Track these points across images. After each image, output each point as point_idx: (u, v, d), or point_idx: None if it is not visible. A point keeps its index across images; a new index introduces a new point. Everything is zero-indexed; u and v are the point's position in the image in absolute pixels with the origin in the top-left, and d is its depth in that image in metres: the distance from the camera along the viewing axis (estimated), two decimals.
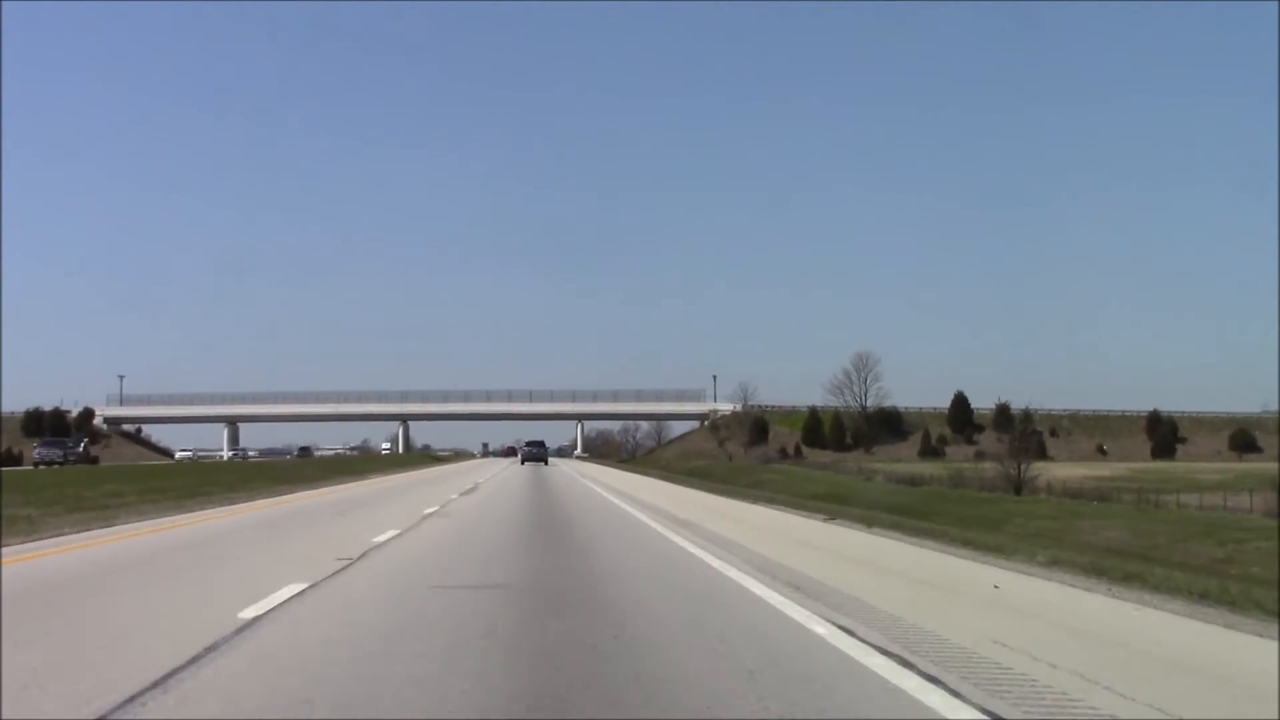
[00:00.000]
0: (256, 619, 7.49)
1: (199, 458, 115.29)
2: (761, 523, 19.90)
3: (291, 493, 31.34)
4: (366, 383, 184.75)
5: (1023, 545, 14.56)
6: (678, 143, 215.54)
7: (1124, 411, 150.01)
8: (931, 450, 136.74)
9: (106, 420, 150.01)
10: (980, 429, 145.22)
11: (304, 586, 9.16)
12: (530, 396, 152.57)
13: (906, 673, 5.98)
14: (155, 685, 5.46)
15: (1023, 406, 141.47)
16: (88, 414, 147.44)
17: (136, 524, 17.53)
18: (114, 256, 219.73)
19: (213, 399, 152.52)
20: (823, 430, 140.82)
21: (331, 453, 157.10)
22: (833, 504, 31.88)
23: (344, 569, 10.63)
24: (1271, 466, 79.92)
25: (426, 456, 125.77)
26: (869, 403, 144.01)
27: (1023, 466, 62.52)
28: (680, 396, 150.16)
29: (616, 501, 25.73)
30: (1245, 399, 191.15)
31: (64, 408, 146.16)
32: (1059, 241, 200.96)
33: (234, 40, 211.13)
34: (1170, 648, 7.03)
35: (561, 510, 21.51)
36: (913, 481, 72.82)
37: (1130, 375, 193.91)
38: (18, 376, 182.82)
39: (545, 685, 5.51)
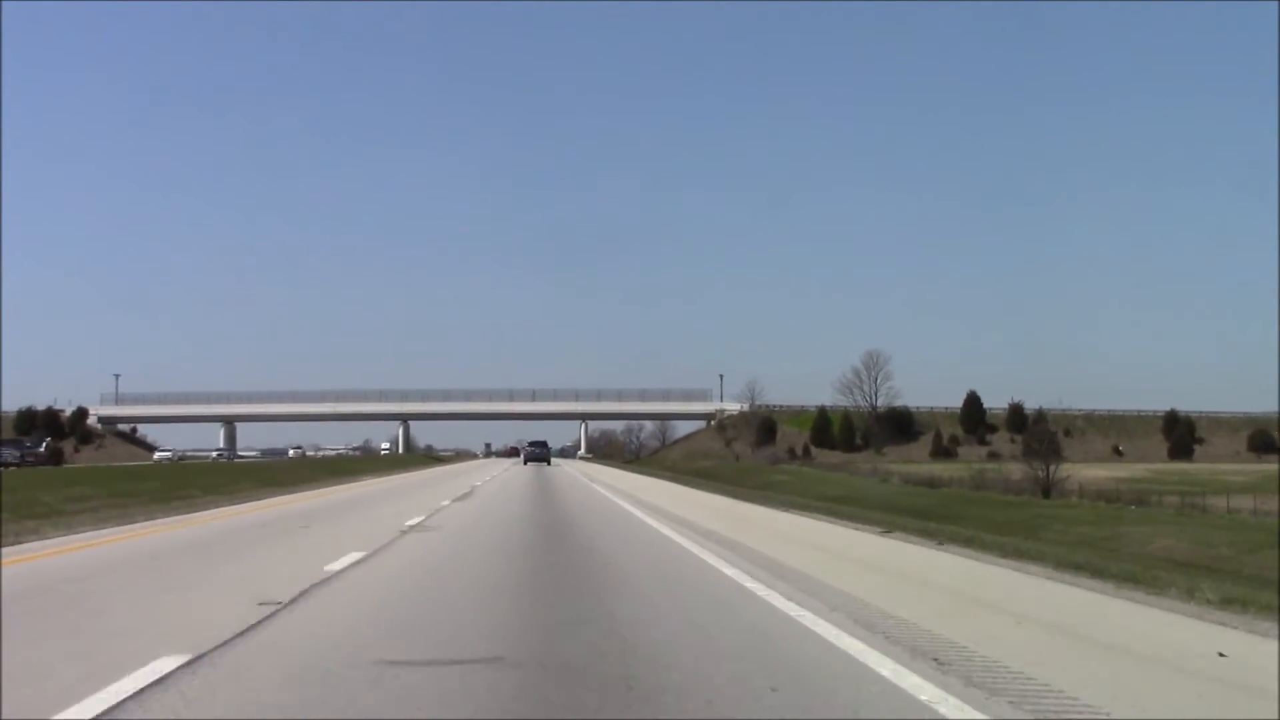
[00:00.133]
0: None
1: (180, 459, 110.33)
2: (808, 537, 16.83)
3: (268, 497, 28.41)
4: (368, 383, 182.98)
5: (1163, 574, 11.45)
6: (678, 143, 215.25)
7: (1139, 411, 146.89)
8: (943, 451, 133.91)
9: (101, 419, 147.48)
10: (993, 429, 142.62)
11: (172, 666, 5.94)
12: (533, 396, 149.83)
13: None
14: None
15: (1036, 407, 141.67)
16: (81, 413, 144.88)
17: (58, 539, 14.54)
18: (113, 256, 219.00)
19: (209, 398, 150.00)
20: (832, 430, 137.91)
21: (334, 453, 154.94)
22: (850, 506, 29.54)
23: (252, 628, 7.32)
24: None
25: (427, 457, 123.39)
26: (879, 402, 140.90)
27: (1051, 468, 59.31)
28: (686, 396, 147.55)
29: (632, 510, 22.60)
30: (1250, 399, 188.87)
31: (57, 407, 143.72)
32: (1060, 241, 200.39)
33: (234, 40, 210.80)
34: None
35: (570, 523, 18.56)
36: (931, 483, 69.69)
37: (1135, 375, 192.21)
38: (15, 376, 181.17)
39: None
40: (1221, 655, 6.53)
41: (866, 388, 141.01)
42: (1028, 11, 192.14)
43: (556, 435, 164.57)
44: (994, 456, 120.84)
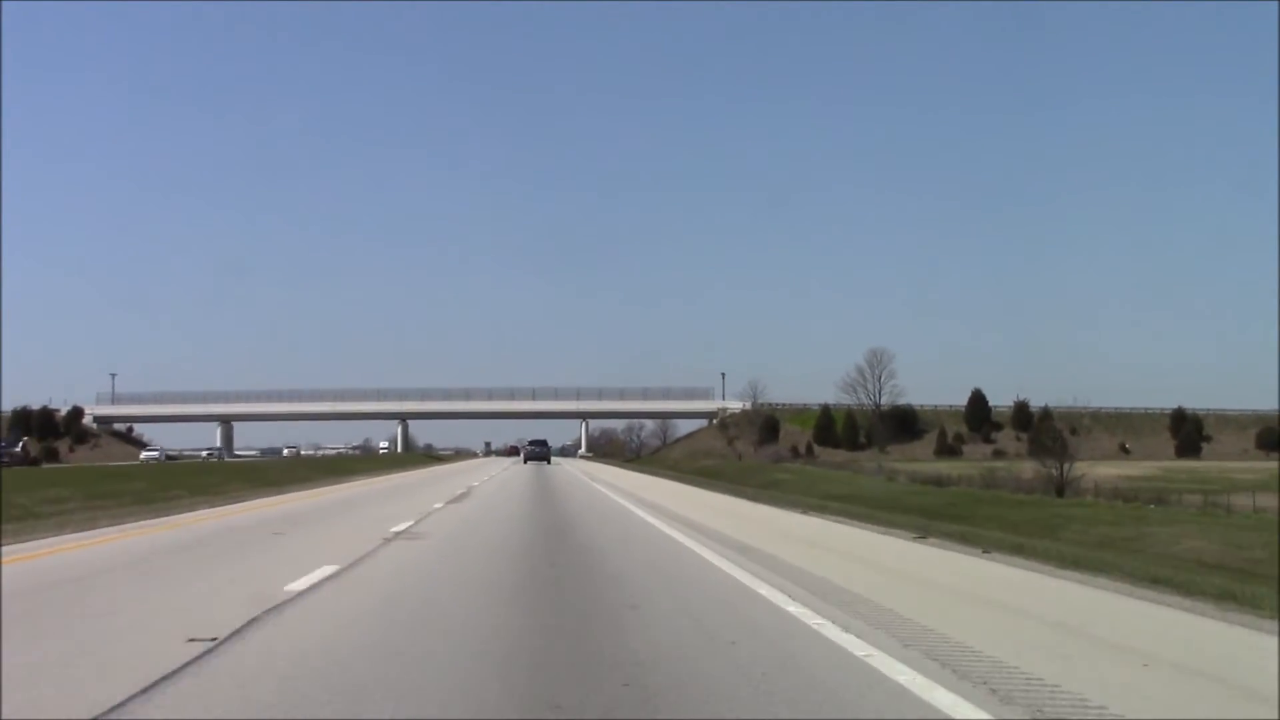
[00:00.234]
0: None
1: (167, 459, 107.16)
2: (835, 543, 15.25)
3: (255, 499, 26.85)
4: (368, 383, 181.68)
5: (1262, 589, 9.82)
6: (678, 142, 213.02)
7: (1146, 409, 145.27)
8: (948, 449, 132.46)
9: (97, 419, 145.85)
10: (998, 427, 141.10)
11: None
12: (533, 394, 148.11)
13: None
14: None
15: (1043, 404, 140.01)
16: (77, 413, 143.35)
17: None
18: (110, 256, 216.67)
19: (206, 398, 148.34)
20: (835, 429, 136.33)
21: (334, 452, 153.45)
22: (860, 506, 28.32)
23: (162, 681, 5.56)
24: None
25: (425, 456, 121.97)
26: (883, 400, 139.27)
27: (1065, 466, 57.66)
28: (688, 394, 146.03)
29: (640, 513, 20.95)
30: (1255, 396, 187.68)
31: (52, 406, 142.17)
32: (1062, 239, 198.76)
33: (234, 40, 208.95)
34: None
35: (574, 528, 17.00)
36: (939, 482, 68.12)
37: (1139, 373, 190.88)
38: (12, 375, 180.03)
39: None
40: None
41: (870, 386, 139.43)
42: (1028, 11, 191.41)
43: (557, 434, 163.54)
44: (999, 455, 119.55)
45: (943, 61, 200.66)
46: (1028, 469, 63.96)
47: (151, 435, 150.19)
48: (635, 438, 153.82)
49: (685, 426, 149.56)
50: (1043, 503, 45.54)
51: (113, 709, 5.02)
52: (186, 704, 5.11)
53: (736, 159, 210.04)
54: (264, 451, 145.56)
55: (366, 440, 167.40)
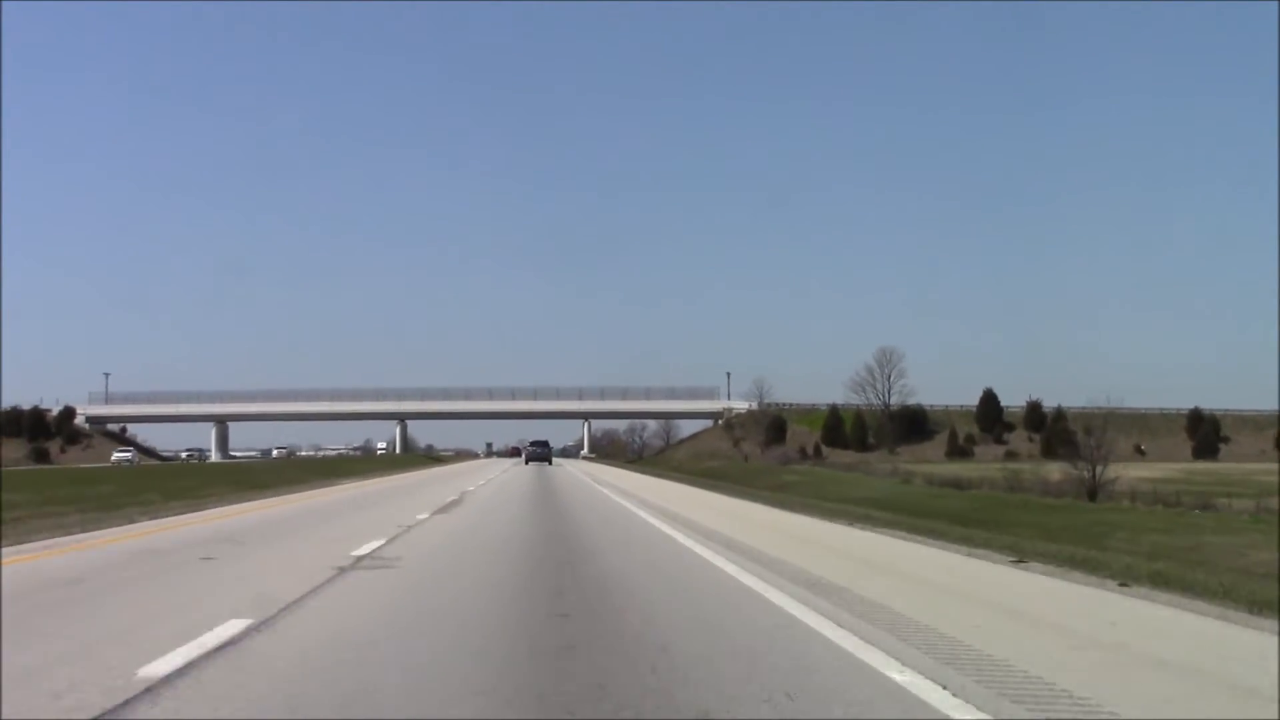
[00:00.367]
0: None
1: (139, 462, 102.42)
2: (929, 573, 12.04)
3: (220, 506, 23.86)
4: (368, 384, 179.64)
5: None
6: (678, 142, 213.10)
7: (1162, 409, 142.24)
8: (959, 450, 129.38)
9: (89, 419, 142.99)
10: (1010, 428, 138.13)
11: None
12: (534, 394, 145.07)
13: None
14: None
15: (1056, 404, 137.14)
16: (68, 413, 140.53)
17: None
18: (108, 255, 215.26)
19: (201, 397, 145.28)
20: (844, 429, 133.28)
21: (334, 453, 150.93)
22: (886, 511, 25.38)
23: None
24: None
25: (424, 457, 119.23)
26: (892, 400, 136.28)
27: (1098, 468, 54.63)
28: (692, 394, 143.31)
29: (663, 527, 17.60)
30: (1262, 396, 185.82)
31: (44, 406, 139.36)
32: (1065, 239, 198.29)
33: (234, 40, 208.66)
34: None
35: (585, 550, 13.59)
36: (958, 485, 65.05)
37: (1144, 373, 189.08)
38: (9, 375, 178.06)
39: None
40: None
41: (879, 385, 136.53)
42: (1028, 11, 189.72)
43: (559, 435, 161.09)
44: (1012, 456, 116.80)
45: (944, 61, 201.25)
46: (1055, 471, 60.91)
47: (145, 436, 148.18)
48: (638, 438, 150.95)
49: (689, 427, 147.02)
50: (1076, 508, 42.66)
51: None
52: None
53: (737, 158, 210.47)
54: (263, 453, 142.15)
55: (367, 441, 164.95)
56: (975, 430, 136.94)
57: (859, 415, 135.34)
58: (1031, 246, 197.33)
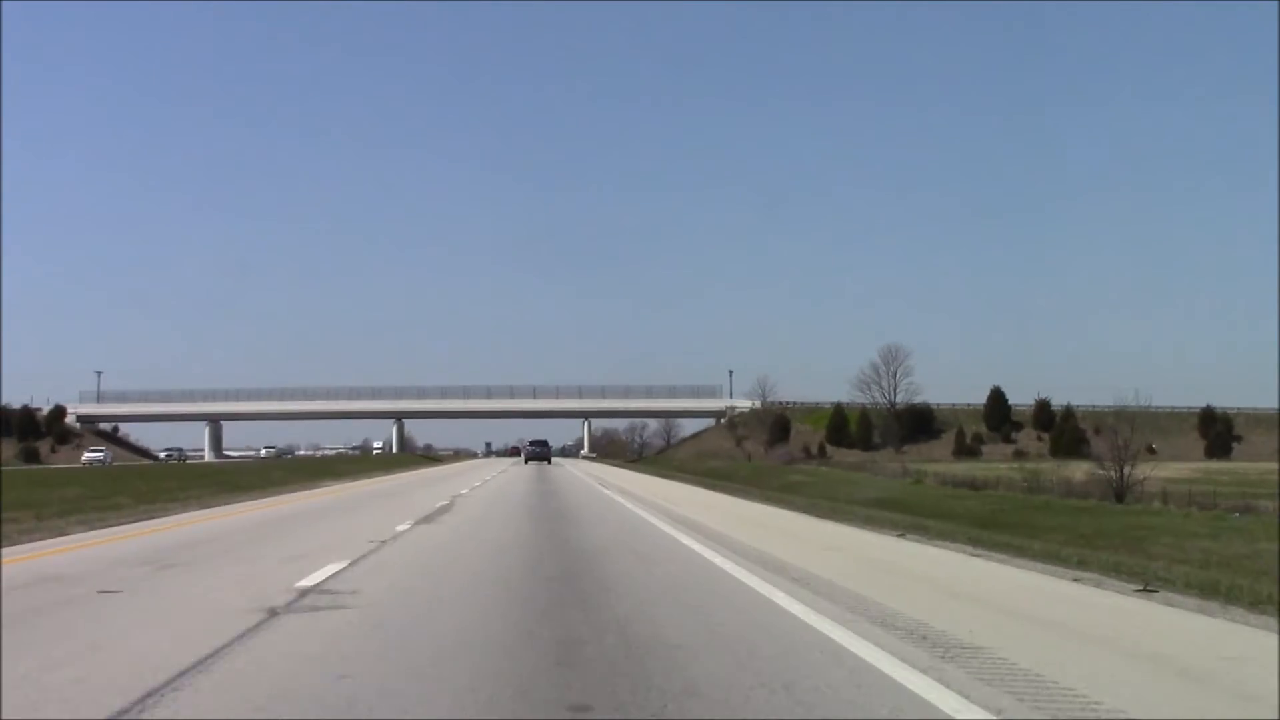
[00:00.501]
0: None
1: (111, 462, 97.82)
2: (1039, 609, 9.42)
3: (182, 511, 21.40)
4: (367, 383, 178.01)
5: None
6: (679, 141, 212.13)
7: (1172, 408, 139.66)
8: (966, 450, 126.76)
9: (80, 418, 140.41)
10: (1018, 426, 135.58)
11: None
12: (534, 393, 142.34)
13: None
14: None
15: (1065, 403, 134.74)
16: (59, 411, 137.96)
17: None
18: (103, 253, 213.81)
19: (194, 396, 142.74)
20: (849, 428, 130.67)
21: (333, 453, 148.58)
22: (910, 516, 23.50)
23: None
24: None
25: (420, 457, 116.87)
26: (898, 399, 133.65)
27: (1126, 469, 52.05)
28: (694, 393, 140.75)
29: (685, 540, 14.82)
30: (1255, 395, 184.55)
31: (34, 405, 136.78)
32: (1065, 239, 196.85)
33: (234, 40, 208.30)
34: None
35: (599, 579, 10.33)
36: (973, 485, 62.58)
37: (1153, 373, 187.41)
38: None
39: None
40: None
41: (885, 383, 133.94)
42: (1029, 11, 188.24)
43: (558, 434, 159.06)
44: (1020, 455, 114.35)
45: (951, 59, 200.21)
46: (1078, 471, 58.36)
47: (138, 435, 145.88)
48: (638, 437, 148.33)
49: (690, 426, 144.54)
50: (1104, 510, 40.36)
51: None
52: None
53: (738, 157, 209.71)
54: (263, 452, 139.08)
55: (366, 440, 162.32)
56: (983, 429, 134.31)
57: (864, 414, 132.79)
58: (1036, 244, 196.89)
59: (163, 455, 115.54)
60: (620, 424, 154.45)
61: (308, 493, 32.27)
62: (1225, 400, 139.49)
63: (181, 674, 5.78)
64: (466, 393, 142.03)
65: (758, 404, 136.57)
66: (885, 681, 5.84)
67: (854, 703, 5.38)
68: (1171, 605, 9.04)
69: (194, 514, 21.30)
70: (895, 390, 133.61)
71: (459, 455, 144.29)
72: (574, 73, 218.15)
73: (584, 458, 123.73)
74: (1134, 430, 56.23)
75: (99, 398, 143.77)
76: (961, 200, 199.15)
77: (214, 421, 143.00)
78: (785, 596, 8.95)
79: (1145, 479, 53.39)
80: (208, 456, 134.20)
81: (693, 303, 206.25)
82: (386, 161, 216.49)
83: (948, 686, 5.67)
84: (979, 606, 8.90)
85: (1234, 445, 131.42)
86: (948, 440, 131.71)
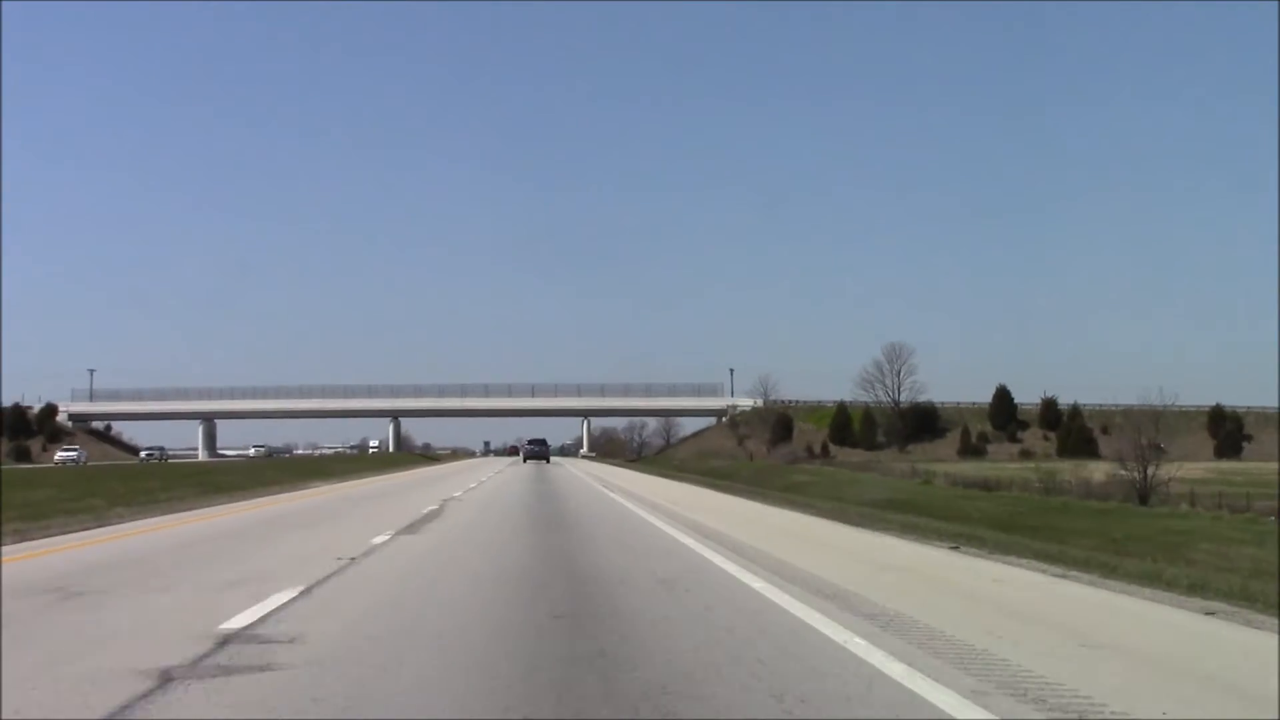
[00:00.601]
0: None
1: (85, 462, 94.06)
2: (1160, 646, 7.29)
3: (144, 518, 19.25)
4: (366, 382, 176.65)
5: None
6: (680, 140, 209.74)
7: (1180, 407, 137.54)
8: (972, 449, 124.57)
9: (72, 417, 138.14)
10: (1024, 425, 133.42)
11: None
12: (532, 391, 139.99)
13: None
14: None
15: (1071, 401, 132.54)
16: (50, 410, 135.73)
17: None
18: (99, 252, 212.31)
19: (189, 394, 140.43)
20: (853, 427, 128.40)
21: (331, 451, 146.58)
22: (934, 520, 21.73)
23: None
24: None
25: (416, 456, 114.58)
26: (902, 397, 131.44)
27: (1149, 470, 50.05)
28: (695, 391, 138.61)
29: (711, 554, 12.68)
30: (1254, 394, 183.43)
31: (24, 404, 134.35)
32: (1066, 238, 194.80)
33: (234, 40, 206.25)
34: None
35: (610, 614, 8.23)
36: (985, 486, 60.45)
37: (1157, 372, 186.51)
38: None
39: None
40: None
41: (889, 382, 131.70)
42: (1029, 11, 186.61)
43: (557, 433, 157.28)
44: (1026, 455, 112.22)
45: (958, 58, 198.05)
46: (1096, 471, 56.32)
47: (132, 434, 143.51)
48: (637, 436, 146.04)
49: (691, 425, 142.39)
50: (1128, 512, 38.44)
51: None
52: None
53: (739, 156, 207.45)
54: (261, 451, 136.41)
55: (364, 440, 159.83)
56: (988, 428, 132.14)
57: (867, 412, 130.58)
58: (1036, 244, 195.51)
59: (143, 455, 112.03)
60: (619, 423, 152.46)
61: (292, 495, 30.12)
62: (1225, 399, 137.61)
63: None
64: (464, 391, 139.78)
65: (759, 402, 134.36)
66: None
67: None
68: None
69: (156, 520, 19.17)
70: (899, 389, 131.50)
71: (457, 454, 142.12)
72: (574, 73, 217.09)
73: (583, 457, 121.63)
74: (1158, 429, 54.01)
75: (91, 396, 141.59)
76: (961, 200, 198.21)
77: (208, 420, 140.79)
78: (883, 655, 6.59)
79: (1171, 479, 51.34)
80: (201, 455, 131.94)
81: (693, 302, 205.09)
82: (386, 161, 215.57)
83: None
84: (1131, 661, 6.73)
85: (1244, 445, 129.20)
86: (952, 439, 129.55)
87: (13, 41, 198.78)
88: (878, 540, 16.26)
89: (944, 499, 40.90)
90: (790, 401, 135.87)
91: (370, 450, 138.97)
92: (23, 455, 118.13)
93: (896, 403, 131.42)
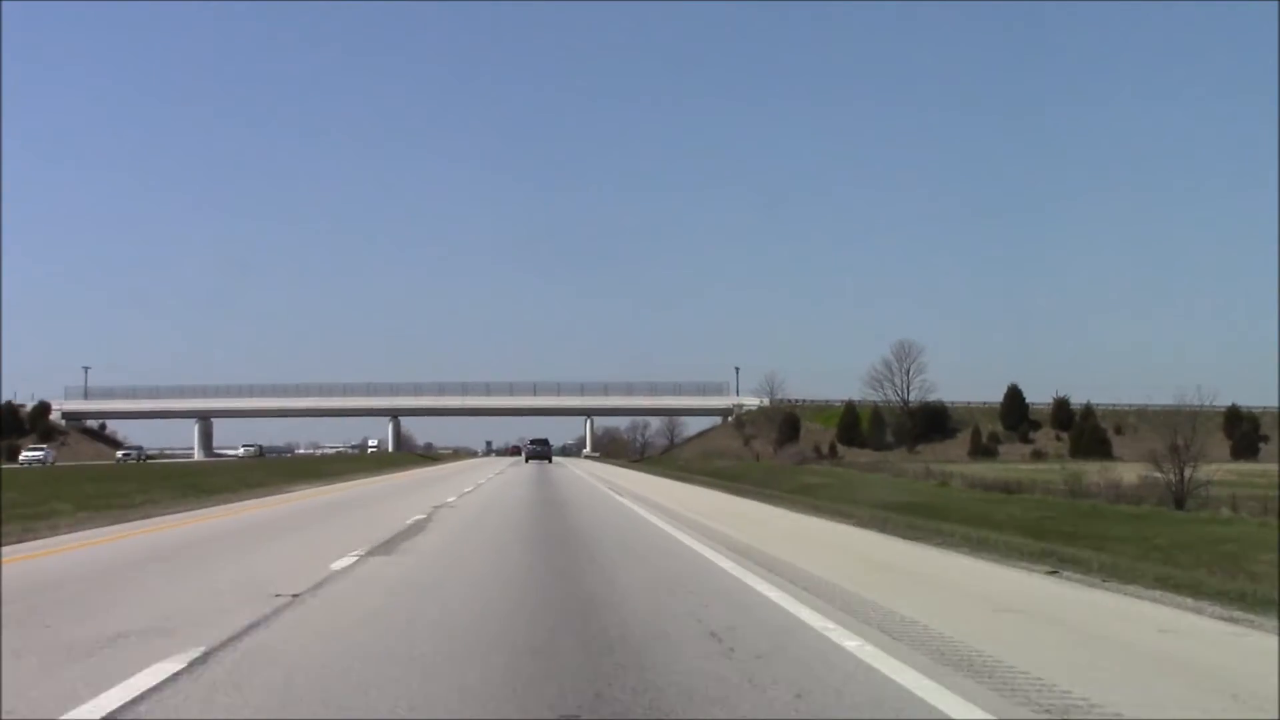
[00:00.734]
0: None
1: (53, 462, 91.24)
2: None
3: (115, 525, 16.60)
4: (366, 382, 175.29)
5: None
6: (681, 140, 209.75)
7: (1192, 407, 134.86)
8: (983, 449, 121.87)
9: (65, 415, 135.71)
10: (1036, 425, 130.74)
11: None
12: (534, 390, 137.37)
13: None
14: None
15: (1084, 401, 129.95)
16: (43, 408, 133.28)
17: None
18: (96, 250, 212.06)
19: (185, 393, 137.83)
20: (861, 427, 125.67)
21: (332, 451, 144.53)
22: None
23: None
24: None
25: (416, 456, 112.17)
26: (911, 397, 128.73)
27: (1187, 472, 47.27)
28: (700, 390, 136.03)
29: (760, 584, 9.58)
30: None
31: (17, 401, 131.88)
32: (1069, 238, 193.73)
33: (234, 40, 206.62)
34: None
35: (653, 696, 5.36)
36: (1005, 489, 57.63)
37: (1160, 371, 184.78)
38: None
39: None
40: None
41: (898, 381, 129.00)
42: (1029, 11, 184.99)
43: (560, 432, 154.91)
44: (1039, 455, 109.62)
45: (947, 61, 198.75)
46: (1128, 473, 53.52)
47: (126, 432, 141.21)
48: (640, 436, 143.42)
49: (695, 424, 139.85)
50: (1165, 517, 35.69)
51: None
52: None
53: (739, 157, 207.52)
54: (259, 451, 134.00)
55: (364, 439, 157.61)
56: (999, 428, 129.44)
57: (876, 412, 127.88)
58: (1036, 244, 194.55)
59: (119, 455, 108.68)
60: (622, 423, 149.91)
61: (271, 499, 27.50)
62: (1226, 399, 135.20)
63: None
64: (465, 390, 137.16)
65: (766, 402, 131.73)
66: None
67: None
68: None
69: (97, 532, 16.46)
70: (909, 388, 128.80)
71: (458, 454, 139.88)
72: (574, 73, 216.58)
73: (586, 457, 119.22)
74: (1195, 430, 51.18)
75: (86, 394, 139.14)
76: (962, 200, 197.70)
77: (204, 419, 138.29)
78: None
79: (1209, 481, 48.60)
80: (197, 455, 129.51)
81: (694, 302, 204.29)
82: (386, 161, 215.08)
83: None
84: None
85: (1260, 446, 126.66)
86: (962, 440, 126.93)
87: (13, 41, 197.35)
88: (952, 561, 13.50)
89: (966, 502, 38.35)
90: (797, 401, 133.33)
91: (370, 450, 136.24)
92: (14, 454, 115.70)
93: (905, 402, 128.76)
